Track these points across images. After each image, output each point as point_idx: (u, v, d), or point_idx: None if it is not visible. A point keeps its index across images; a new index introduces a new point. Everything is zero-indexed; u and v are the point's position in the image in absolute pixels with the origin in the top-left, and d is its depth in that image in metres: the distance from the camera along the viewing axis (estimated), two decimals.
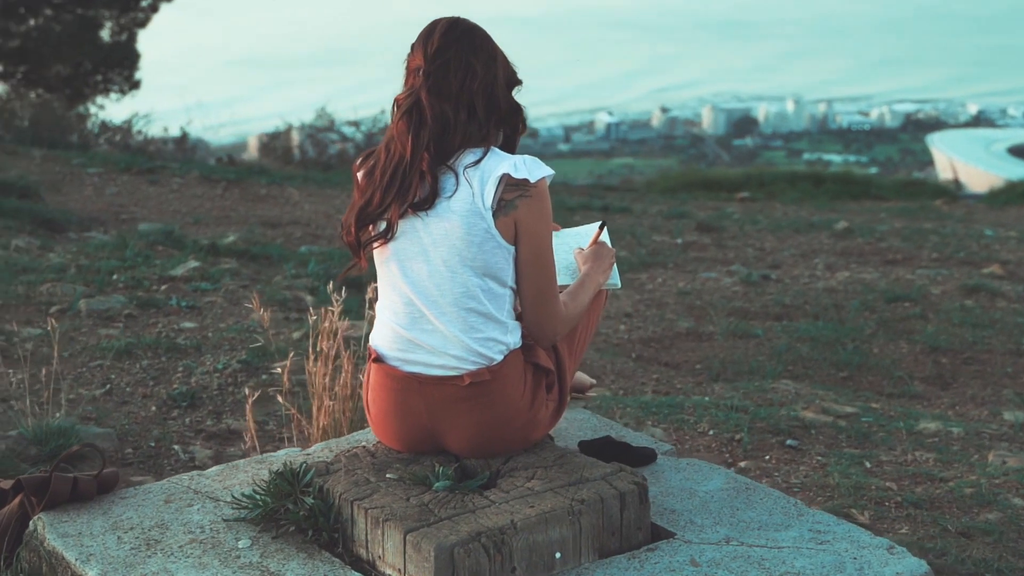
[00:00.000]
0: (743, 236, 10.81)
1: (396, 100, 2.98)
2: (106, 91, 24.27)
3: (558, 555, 2.77)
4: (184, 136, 18.50)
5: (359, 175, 3.02)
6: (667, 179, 20.79)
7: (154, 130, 19.91)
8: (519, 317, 3.06)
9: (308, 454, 3.34)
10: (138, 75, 23.74)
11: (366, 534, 2.78)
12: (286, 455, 3.37)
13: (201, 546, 2.82)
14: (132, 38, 23.84)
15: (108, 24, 23.58)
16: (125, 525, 2.90)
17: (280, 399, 3.96)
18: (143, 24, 23.71)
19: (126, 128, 17.84)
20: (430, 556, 2.62)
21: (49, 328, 4.34)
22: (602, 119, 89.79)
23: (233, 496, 3.01)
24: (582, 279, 3.22)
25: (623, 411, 5.05)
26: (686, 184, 18.72)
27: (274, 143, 20.68)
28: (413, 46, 2.99)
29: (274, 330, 5.71)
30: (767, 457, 4.52)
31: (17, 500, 2.93)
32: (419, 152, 2.91)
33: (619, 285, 3.40)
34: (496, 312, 2.97)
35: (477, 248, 2.91)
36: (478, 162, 2.92)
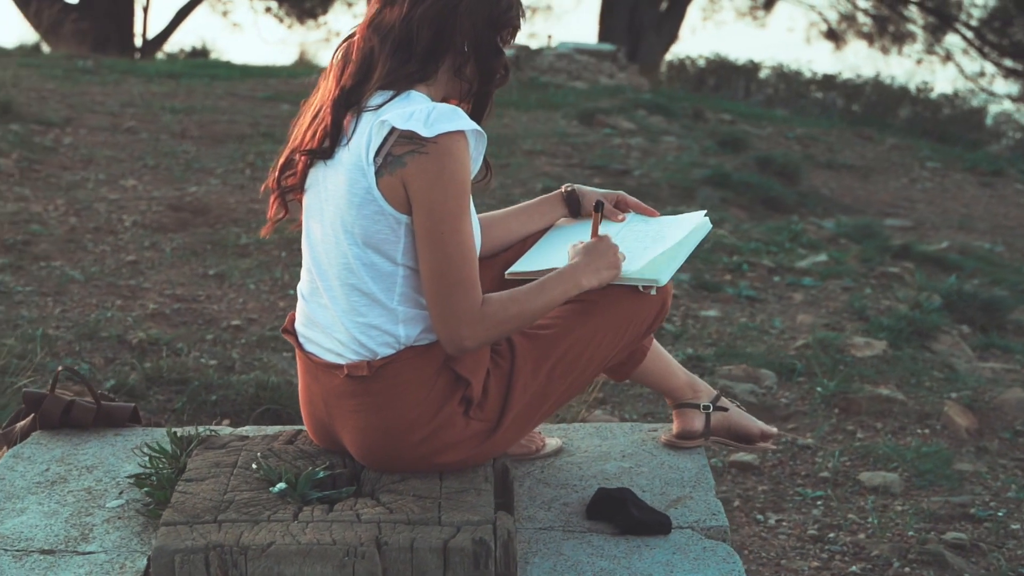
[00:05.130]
0: None
1: None
2: None
3: None
4: None
5: None
6: None
7: None
8: None
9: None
10: None
11: None
12: None
13: (85, 495, 2.62)
14: None
15: None
16: (69, 459, 2.79)
17: None
18: None
19: None
20: (150, 555, 2.21)
21: None
22: None
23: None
24: (552, 275, 2.40)
25: (982, 482, 3.75)
26: None
27: None
28: None
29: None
30: None
31: (31, 417, 2.99)
32: (336, 92, 2.41)
33: (661, 282, 2.45)
34: (382, 295, 2.36)
35: (356, 211, 2.33)
36: (380, 106, 2.33)
